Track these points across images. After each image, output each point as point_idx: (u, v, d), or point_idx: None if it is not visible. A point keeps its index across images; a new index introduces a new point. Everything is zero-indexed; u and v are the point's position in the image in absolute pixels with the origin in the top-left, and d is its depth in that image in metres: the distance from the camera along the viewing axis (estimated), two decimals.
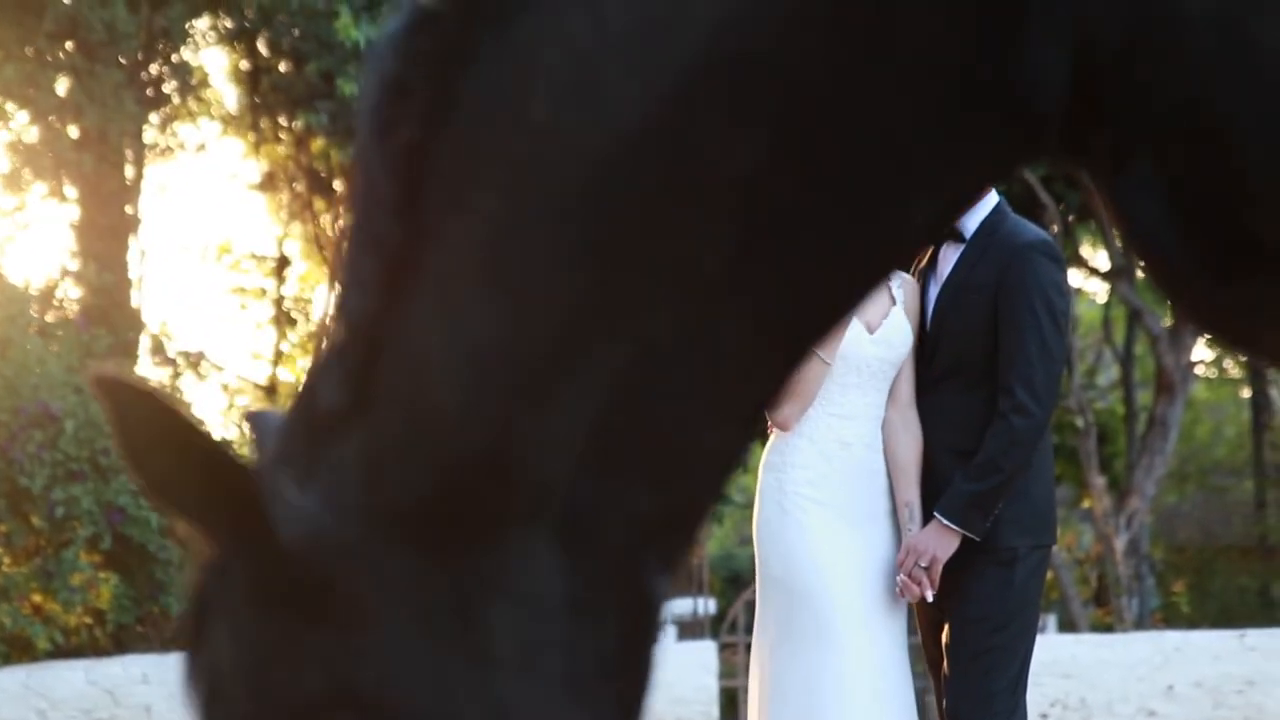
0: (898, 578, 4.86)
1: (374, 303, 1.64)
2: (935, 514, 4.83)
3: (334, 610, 1.65)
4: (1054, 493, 5.13)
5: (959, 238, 4.96)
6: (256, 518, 1.63)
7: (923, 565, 4.81)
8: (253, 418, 2.02)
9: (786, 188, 1.60)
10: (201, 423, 1.67)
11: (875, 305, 4.97)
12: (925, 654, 5.08)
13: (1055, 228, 15.06)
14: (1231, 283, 1.55)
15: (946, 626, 4.88)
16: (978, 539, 4.81)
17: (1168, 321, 16.42)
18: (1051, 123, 1.57)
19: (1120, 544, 14.94)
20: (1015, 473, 4.79)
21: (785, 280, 1.64)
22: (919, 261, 5.14)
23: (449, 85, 1.62)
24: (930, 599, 4.87)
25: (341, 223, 1.71)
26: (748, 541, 21.62)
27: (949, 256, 5.00)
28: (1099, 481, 15.24)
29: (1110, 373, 22.27)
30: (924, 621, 5.05)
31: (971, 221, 4.95)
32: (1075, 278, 19.46)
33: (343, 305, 1.68)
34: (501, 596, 1.64)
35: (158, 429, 1.61)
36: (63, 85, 15.00)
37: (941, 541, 4.81)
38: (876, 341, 4.97)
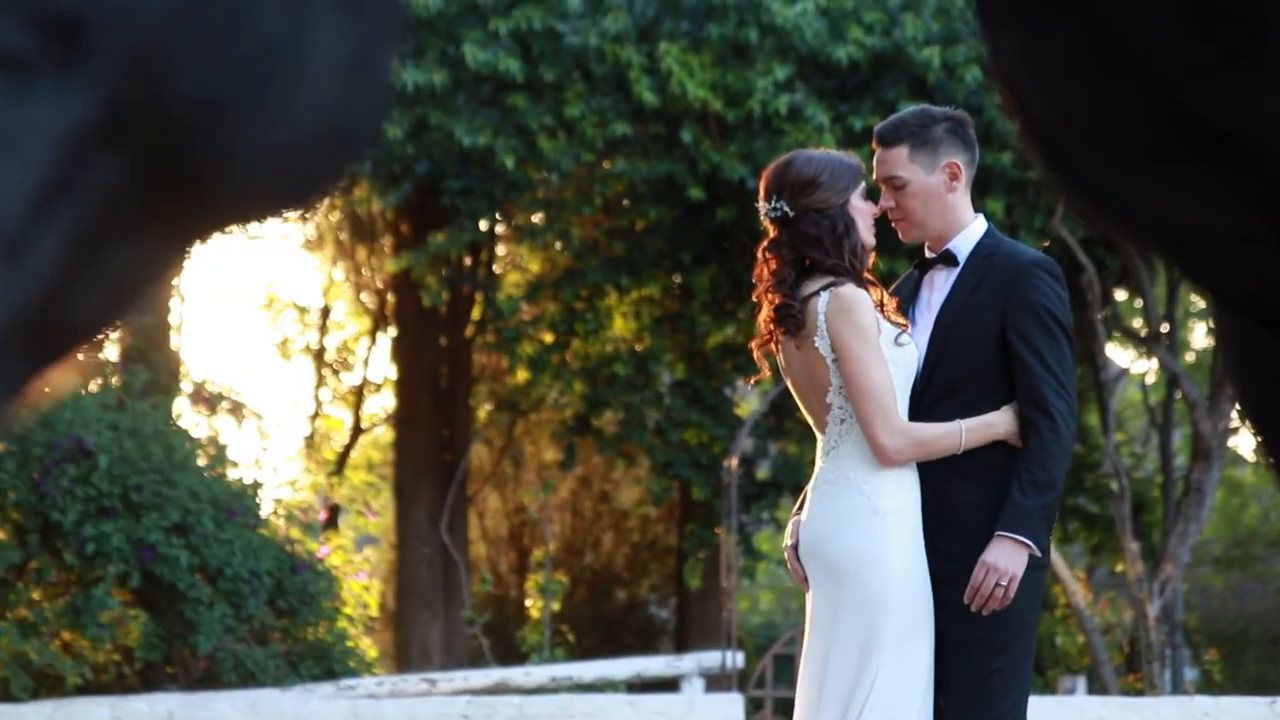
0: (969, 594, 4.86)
1: None
2: (1005, 532, 4.83)
3: None
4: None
5: (952, 261, 5.05)
6: None
7: (1003, 584, 4.82)
8: None
9: None
10: None
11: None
12: None
13: (1095, 289, 15.02)
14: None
15: (944, 650, 4.88)
16: (1041, 555, 4.87)
17: (1205, 388, 16.34)
18: None
19: (1153, 610, 14.83)
20: (1062, 483, 4.93)
21: None
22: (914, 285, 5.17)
23: None
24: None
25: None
26: (791, 614, 21.29)
27: (939, 280, 5.09)
28: (1133, 546, 15.12)
29: (1152, 446, 22.12)
30: None
31: (964, 245, 5.07)
32: (1112, 350, 19.38)
33: None
34: None
35: None
36: None
37: (1017, 558, 4.83)
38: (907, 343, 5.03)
